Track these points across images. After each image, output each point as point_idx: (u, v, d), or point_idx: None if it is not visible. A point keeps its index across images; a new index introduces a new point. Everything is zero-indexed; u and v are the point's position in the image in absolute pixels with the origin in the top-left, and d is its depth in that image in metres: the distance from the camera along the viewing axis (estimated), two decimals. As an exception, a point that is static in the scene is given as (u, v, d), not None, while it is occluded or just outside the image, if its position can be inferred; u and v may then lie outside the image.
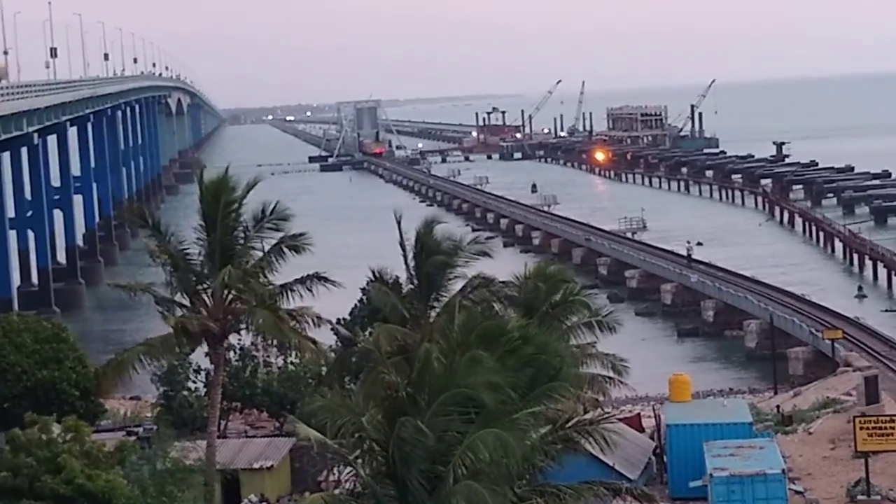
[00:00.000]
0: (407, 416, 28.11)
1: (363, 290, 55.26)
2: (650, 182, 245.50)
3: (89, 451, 40.96)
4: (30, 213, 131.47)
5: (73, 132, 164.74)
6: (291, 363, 69.03)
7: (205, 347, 55.43)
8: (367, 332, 55.37)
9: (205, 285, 52.08)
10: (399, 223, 52.08)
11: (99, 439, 44.63)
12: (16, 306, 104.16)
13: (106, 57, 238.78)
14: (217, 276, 51.14)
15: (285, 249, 51.87)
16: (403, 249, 52.04)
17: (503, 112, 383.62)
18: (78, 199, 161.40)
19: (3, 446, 44.80)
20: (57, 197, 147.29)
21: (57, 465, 39.31)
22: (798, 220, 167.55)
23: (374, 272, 53.35)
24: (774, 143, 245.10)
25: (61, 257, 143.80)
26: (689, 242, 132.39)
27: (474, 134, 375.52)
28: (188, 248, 52.23)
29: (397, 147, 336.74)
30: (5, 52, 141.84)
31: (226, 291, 51.36)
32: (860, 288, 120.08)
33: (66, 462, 39.36)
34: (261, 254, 51.67)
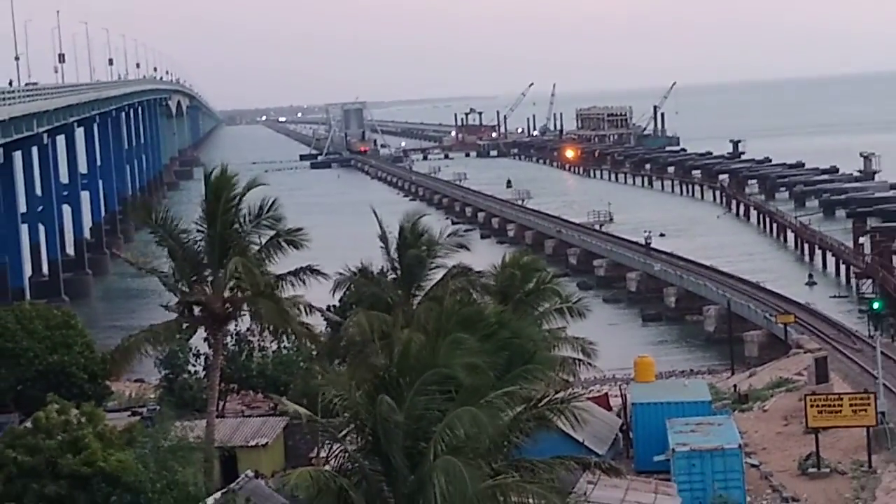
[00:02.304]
0: (388, 395, 28.13)
1: (346, 280, 55.00)
2: (616, 178, 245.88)
3: (102, 432, 40.92)
4: (40, 209, 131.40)
5: (80, 132, 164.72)
6: (285, 347, 69.11)
7: (204, 333, 55.50)
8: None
9: (205, 274, 52.09)
10: (378, 218, 52.25)
11: (109, 420, 44.59)
12: (28, 295, 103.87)
13: (110, 62, 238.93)
14: (217, 266, 51.22)
15: (283, 243, 51.93)
16: (384, 241, 52.14)
17: (480, 113, 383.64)
18: (85, 195, 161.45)
19: (17, 426, 44.72)
20: (66, 193, 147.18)
21: (77, 446, 39.24)
22: (753, 213, 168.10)
23: (352, 268, 53.45)
24: (731, 141, 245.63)
25: (70, 250, 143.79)
26: (647, 232, 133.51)
27: (453, 133, 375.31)
28: (188, 241, 52.24)
29: (382, 146, 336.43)
30: (16, 58, 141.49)
31: (227, 281, 51.41)
32: (810, 276, 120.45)
33: (88, 443, 39.28)
34: (257, 247, 51.67)
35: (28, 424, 42.05)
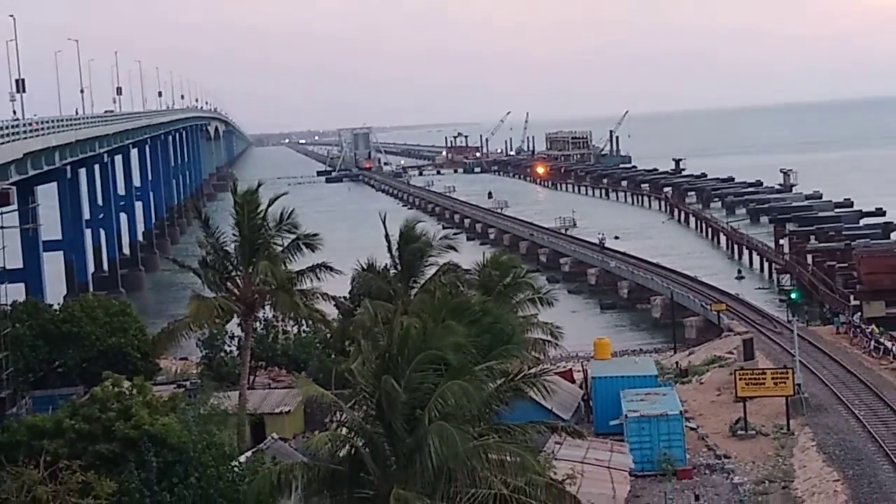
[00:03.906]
0: (390, 372, 28.04)
1: (358, 275, 54.94)
2: (579, 190, 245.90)
3: (150, 401, 40.77)
4: (101, 216, 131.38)
5: (134, 153, 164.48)
6: (304, 331, 69.08)
7: (237, 320, 55.39)
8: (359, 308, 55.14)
9: (237, 272, 51.98)
10: (384, 224, 52.18)
11: (157, 391, 44.43)
12: (91, 288, 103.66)
13: (160, 94, 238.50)
14: (247, 265, 51.17)
15: (301, 245, 51.88)
16: (388, 242, 52.09)
17: (466, 136, 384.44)
18: (139, 205, 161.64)
19: (81, 398, 44.53)
20: (122, 203, 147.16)
21: (128, 413, 39.10)
22: (692, 219, 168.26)
23: (362, 264, 53.43)
24: (674, 159, 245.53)
25: (126, 250, 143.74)
26: (601, 235, 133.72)
27: (444, 153, 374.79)
28: (224, 243, 52.19)
29: (385, 163, 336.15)
30: (81, 91, 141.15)
31: (255, 277, 51.34)
32: (739, 271, 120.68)
33: (137, 411, 39.14)
34: (279, 248, 51.57)
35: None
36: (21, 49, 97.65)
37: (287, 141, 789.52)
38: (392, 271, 52.39)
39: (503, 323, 36.97)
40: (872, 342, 73.51)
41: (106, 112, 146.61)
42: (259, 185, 53.05)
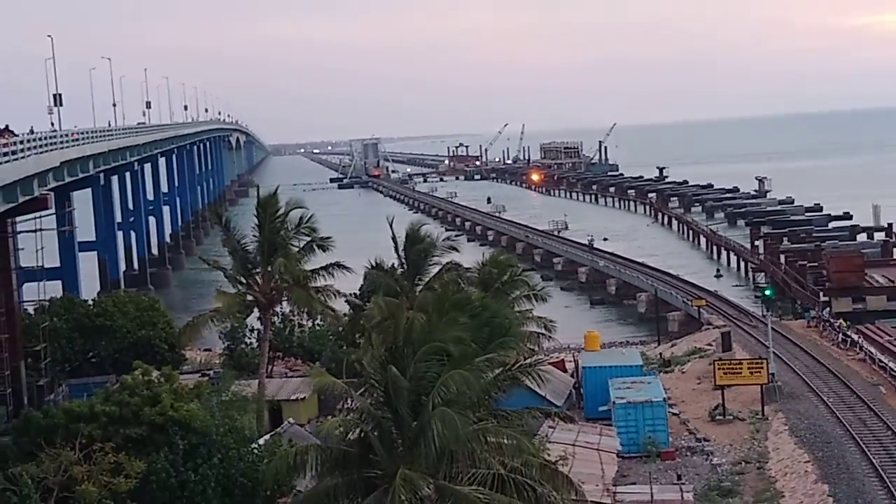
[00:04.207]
0: (396, 362, 28.04)
1: (369, 273, 54.98)
2: (570, 196, 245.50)
3: (176, 389, 40.81)
4: (132, 219, 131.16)
5: (162, 161, 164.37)
6: (317, 325, 69.08)
7: (257, 314, 55.41)
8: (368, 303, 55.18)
9: (257, 270, 52.04)
10: (391, 225, 52.18)
11: (182, 380, 44.47)
12: (122, 285, 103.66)
13: (185, 108, 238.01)
14: (266, 264, 51.25)
15: (315, 247, 51.95)
16: (395, 243, 52.06)
17: (467, 146, 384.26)
18: (166, 209, 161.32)
19: (113, 386, 44.55)
20: (151, 207, 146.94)
21: (156, 400, 39.15)
22: (674, 223, 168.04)
23: (372, 263, 53.43)
24: (657, 167, 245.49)
25: (154, 250, 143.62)
26: (590, 236, 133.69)
27: (446, 162, 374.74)
28: (245, 244, 52.28)
29: (392, 171, 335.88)
30: (114, 105, 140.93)
31: (274, 274, 51.38)
32: (718, 270, 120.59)
33: (163, 398, 39.19)
34: (296, 248, 51.63)
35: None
36: (58, 66, 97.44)
37: (302, 151, 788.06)
38: (399, 270, 52.38)
39: (501, 317, 36.99)
40: (840, 335, 73.50)
41: (139, 124, 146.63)
42: (276, 190, 53.21)
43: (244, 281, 52.02)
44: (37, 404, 49.57)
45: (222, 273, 53.34)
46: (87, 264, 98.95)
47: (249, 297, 52.13)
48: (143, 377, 40.59)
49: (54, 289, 71.53)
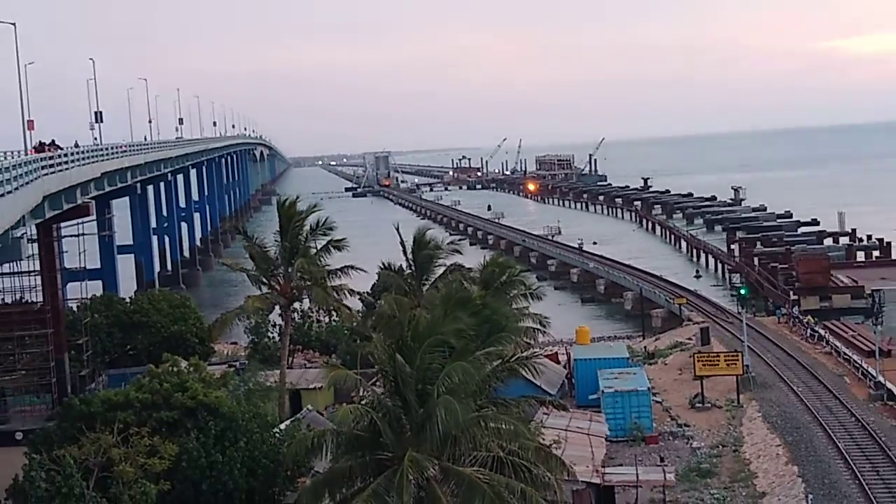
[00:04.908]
0: (404, 355, 28.02)
1: (381, 273, 55.03)
2: (563, 204, 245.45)
3: (205, 378, 40.80)
4: (166, 225, 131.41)
5: (193, 172, 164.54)
6: (334, 321, 69.06)
7: (279, 310, 55.43)
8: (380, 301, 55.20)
9: (278, 271, 52.05)
10: (398, 231, 52.26)
11: (211, 370, 44.48)
12: (157, 284, 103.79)
13: (214, 124, 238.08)
14: (287, 264, 51.27)
15: (332, 248, 51.90)
16: (403, 247, 52.12)
17: (469, 159, 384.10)
18: (196, 216, 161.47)
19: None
20: (183, 214, 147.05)
21: (185, 387, 39.15)
22: (658, 228, 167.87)
23: (383, 264, 53.49)
24: (642, 178, 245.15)
25: (186, 253, 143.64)
26: (580, 240, 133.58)
27: (451, 173, 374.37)
28: (267, 248, 52.30)
29: (401, 181, 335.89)
30: (150, 121, 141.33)
31: (294, 275, 51.41)
32: (697, 271, 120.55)
33: (192, 385, 39.18)
34: (314, 250, 51.63)
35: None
36: (99, 86, 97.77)
37: (320, 163, 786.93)
38: (407, 271, 52.40)
39: (499, 314, 36.99)
40: (808, 330, 73.42)
41: (177, 139, 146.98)
42: (297, 198, 53.26)
43: (265, 281, 52.04)
44: (79, 393, 49.61)
45: (246, 275, 53.33)
46: (125, 266, 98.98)
47: (271, 295, 52.10)
48: (172, 367, 40.64)
49: (95, 288, 71.54)
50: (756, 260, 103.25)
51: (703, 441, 51.25)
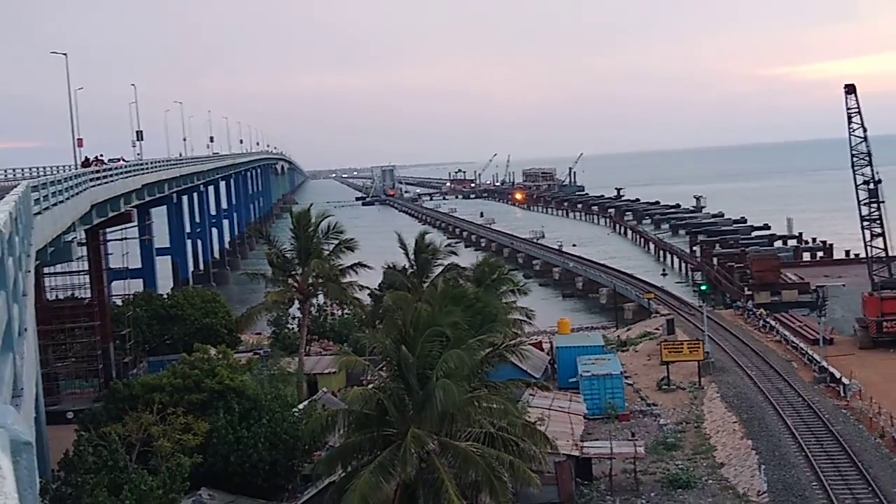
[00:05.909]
0: (406, 343, 28.02)
1: (387, 272, 54.99)
2: (547, 211, 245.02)
3: (232, 364, 40.76)
4: (198, 230, 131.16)
5: (222, 184, 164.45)
6: (346, 314, 69.02)
7: (297, 305, 55.35)
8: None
9: (295, 271, 52.01)
10: (399, 236, 52.27)
11: (238, 357, 44.45)
12: (190, 282, 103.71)
13: (241, 141, 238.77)
14: (304, 264, 51.21)
15: (343, 249, 51.86)
16: (405, 249, 52.10)
17: (464, 171, 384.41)
18: (225, 222, 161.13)
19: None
20: (213, 220, 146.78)
21: (214, 372, 39.11)
22: (629, 232, 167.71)
23: (388, 264, 53.46)
24: (615, 188, 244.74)
25: (216, 255, 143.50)
26: (559, 243, 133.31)
27: (448, 184, 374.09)
28: (285, 251, 52.29)
29: (405, 192, 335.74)
30: (184, 139, 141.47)
31: (310, 273, 51.39)
32: (663, 270, 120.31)
33: (220, 370, 39.16)
34: (327, 251, 51.60)
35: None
36: (141, 104, 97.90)
37: (333, 175, 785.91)
38: (410, 270, 52.35)
39: (491, 307, 36.99)
40: (761, 321, 73.45)
41: (214, 153, 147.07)
42: (310, 206, 53.35)
43: (283, 279, 52.07)
44: (122, 377, 49.59)
45: (263, 278, 53.30)
46: (163, 266, 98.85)
47: (289, 291, 52.08)
48: (203, 355, 40.63)
49: (137, 285, 71.54)
50: (715, 260, 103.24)
51: (669, 418, 51.25)
